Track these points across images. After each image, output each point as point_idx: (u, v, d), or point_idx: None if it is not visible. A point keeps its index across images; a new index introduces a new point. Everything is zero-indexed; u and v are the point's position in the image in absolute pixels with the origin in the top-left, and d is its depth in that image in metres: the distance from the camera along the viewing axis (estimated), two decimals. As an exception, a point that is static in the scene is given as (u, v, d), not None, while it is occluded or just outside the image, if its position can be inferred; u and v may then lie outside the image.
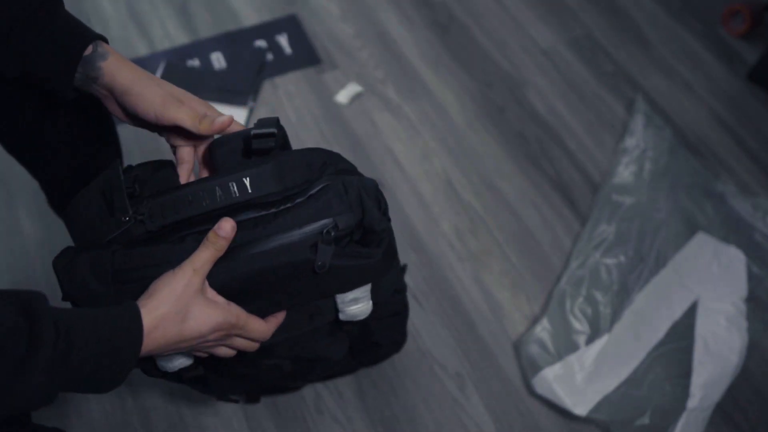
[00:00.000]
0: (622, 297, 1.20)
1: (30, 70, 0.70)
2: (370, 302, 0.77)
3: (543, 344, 1.14)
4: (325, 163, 0.71)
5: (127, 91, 0.69)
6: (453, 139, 1.46)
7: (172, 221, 0.66)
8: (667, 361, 1.14)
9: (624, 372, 1.13)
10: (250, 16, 1.66)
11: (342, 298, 0.75)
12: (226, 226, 0.64)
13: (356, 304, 0.76)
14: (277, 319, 0.74)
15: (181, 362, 0.74)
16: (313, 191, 0.68)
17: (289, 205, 0.67)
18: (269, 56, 1.58)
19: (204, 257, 0.64)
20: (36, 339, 0.52)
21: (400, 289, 0.85)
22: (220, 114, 0.71)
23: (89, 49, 0.69)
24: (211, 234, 0.64)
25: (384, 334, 0.91)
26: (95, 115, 0.95)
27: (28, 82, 0.72)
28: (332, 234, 0.66)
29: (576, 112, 1.52)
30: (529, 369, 1.12)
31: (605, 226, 1.28)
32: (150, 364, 0.75)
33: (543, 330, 1.15)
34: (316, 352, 0.83)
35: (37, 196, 1.34)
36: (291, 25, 1.64)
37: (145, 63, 1.57)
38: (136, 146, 1.42)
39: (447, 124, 1.48)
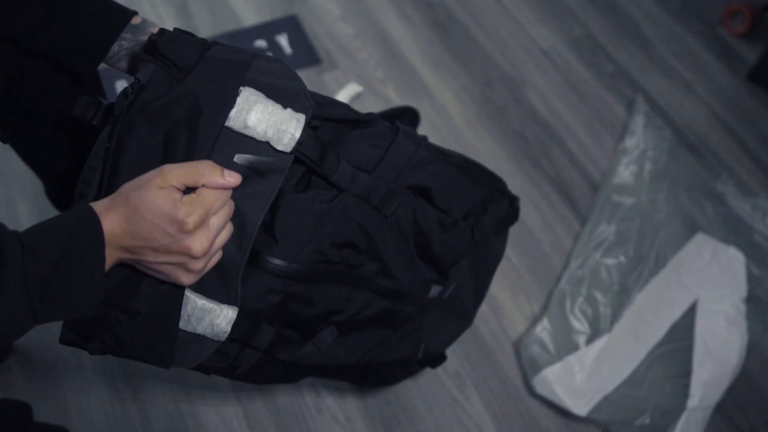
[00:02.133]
0: (622, 297, 1.20)
1: (66, 40, 0.73)
2: None
3: (543, 344, 1.14)
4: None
5: None
6: (453, 139, 1.46)
7: None
8: (667, 361, 1.14)
9: (624, 372, 1.13)
10: (250, 16, 1.66)
11: None
12: (234, 179, 0.63)
13: None
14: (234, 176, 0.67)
15: (227, 316, 0.69)
16: None
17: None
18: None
19: (182, 168, 0.61)
20: (1, 255, 0.52)
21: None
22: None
23: (137, 19, 0.75)
24: (214, 168, 0.63)
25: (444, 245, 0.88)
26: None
27: (54, 55, 0.75)
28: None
29: (576, 112, 1.52)
30: (529, 369, 1.12)
31: (605, 226, 1.28)
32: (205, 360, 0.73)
33: (543, 330, 1.15)
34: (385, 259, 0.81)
35: (37, 195, 1.34)
36: (291, 25, 1.64)
37: (145, 63, 1.57)
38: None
39: (447, 124, 1.48)
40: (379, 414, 1.10)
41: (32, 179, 1.36)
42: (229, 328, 0.68)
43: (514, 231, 1.32)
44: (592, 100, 1.54)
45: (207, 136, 0.64)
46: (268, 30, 1.63)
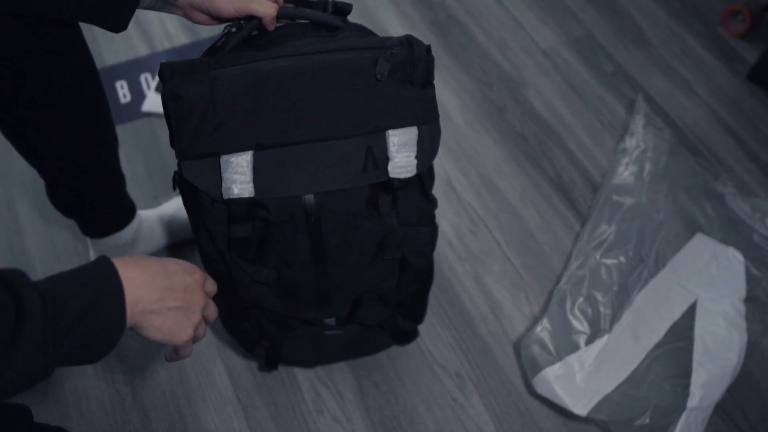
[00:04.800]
0: (621, 297, 1.20)
1: (94, 6, 0.76)
2: (416, 161, 0.83)
3: (543, 344, 1.14)
4: (374, 33, 0.87)
5: None
6: (453, 139, 1.46)
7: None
8: (666, 361, 1.14)
9: (624, 372, 1.13)
10: (250, 16, 1.66)
11: (393, 140, 0.81)
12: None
13: (405, 151, 0.82)
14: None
15: (239, 189, 0.79)
16: (366, 34, 0.85)
17: (347, 34, 0.83)
18: (269, 56, 1.58)
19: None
20: (23, 311, 0.52)
21: (433, 201, 0.91)
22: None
23: None
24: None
25: (411, 245, 0.91)
26: (96, 113, 0.96)
27: (82, 19, 0.78)
28: (388, 54, 0.79)
29: (576, 112, 1.52)
30: (529, 369, 1.12)
31: (605, 227, 1.28)
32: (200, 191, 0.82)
33: (543, 330, 1.15)
34: (357, 230, 0.86)
35: (37, 195, 1.35)
36: (291, 25, 1.64)
37: (145, 63, 1.57)
38: (137, 148, 1.42)
39: (447, 124, 1.48)
40: (379, 414, 1.10)
41: (32, 179, 1.36)
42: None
43: (514, 231, 1.32)
44: (592, 100, 1.54)
45: None
46: (268, 30, 1.63)
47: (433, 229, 0.93)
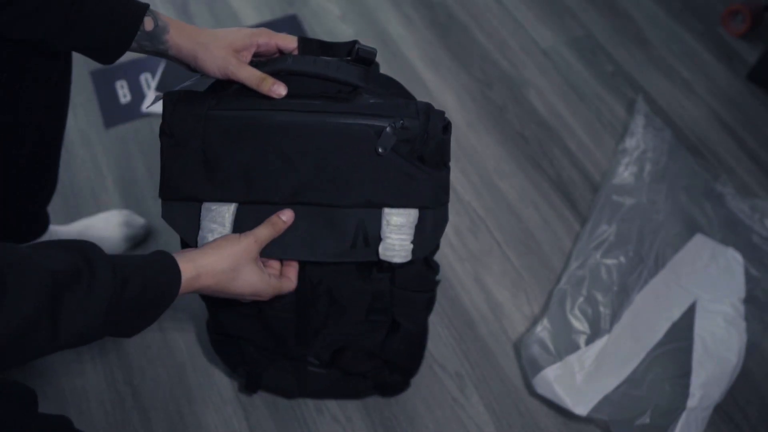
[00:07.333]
0: (621, 297, 1.20)
1: (83, 44, 0.76)
2: (411, 246, 0.77)
3: (543, 344, 1.14)
4: (402, 89, 0.82)
5: (192, 60, 0.78)
6: (453, 139, 1.46)
7: (270, 70, 0.75)
8: (666, 361, 1.14)
9: (624, 372, 1.13)
10: (250, 16, 1.66)
11: (387, 219, 0.76)
12: (288, 213, 0.76)
13: (399, 234, 0.76)
14: (293, 279, 0.81)
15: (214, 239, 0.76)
16: (388, 96, 0.77)
17: (365, 96, 0.76)
18: (269, 56, 1.58)
19: (265, 233, 0.75)
20: (96, 278, 0.60)
21: (434, 267, 0.88)
22: (276, 81, 0.75)
23: (150, 24, 0.76)
24: (274, 217, 0.76)
25: (403, 309, 0.89)
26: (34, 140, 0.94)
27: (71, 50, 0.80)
28: (397, 126, 0.72)
29: (576, 112, 1.52)
30: (529, 369, 1.12)
31: (605, 227, 1.28)
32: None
33: (543, 330, 1.15)
34: (345, 285, 0.84)
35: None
36: (291, 25, 1.64)
37: (146, 63, 1.57)
38: (137, 148, 1.42)
39: (447, 124, 1.48)
40: (379, 414, 1.10)
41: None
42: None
43: (514, 231, 1.32)
44: (592, 100, 1.54)
45: None
46: (268, 30, 1.63)
47: (430, 296, 0.89)
